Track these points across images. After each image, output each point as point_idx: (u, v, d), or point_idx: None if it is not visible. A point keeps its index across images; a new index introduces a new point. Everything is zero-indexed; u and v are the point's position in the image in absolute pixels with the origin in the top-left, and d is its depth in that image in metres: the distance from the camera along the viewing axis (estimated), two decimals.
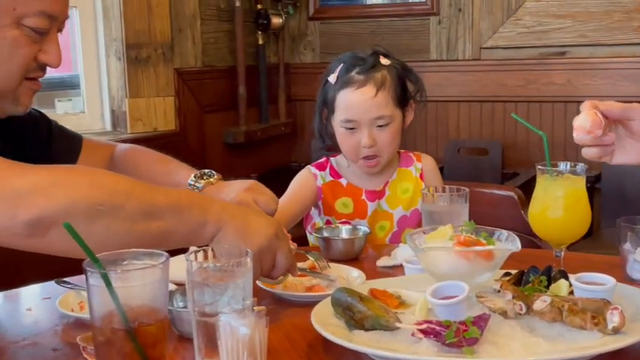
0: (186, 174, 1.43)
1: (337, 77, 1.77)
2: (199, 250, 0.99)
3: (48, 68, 1.27)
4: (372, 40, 3.84)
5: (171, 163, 1.49)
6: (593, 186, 3.37)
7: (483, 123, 3.74)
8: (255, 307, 0.82)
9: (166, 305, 0.87)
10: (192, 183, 1.40)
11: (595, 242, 3.00)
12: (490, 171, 3.56)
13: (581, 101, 3.89)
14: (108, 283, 0.80)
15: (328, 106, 1.80)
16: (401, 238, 1.80)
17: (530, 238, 1.90)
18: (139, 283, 0.82)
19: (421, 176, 1.86)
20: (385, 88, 1.75)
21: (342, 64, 1.78)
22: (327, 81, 1.80)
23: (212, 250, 1.00)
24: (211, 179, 1.41)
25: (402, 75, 1.79)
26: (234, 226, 1.10)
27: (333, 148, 1.87)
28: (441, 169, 3.53)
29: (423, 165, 1.87)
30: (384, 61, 1.78)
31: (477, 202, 2.19)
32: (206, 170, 1.44)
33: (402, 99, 1.79)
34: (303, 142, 4.05)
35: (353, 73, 1.76)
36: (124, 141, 2.87)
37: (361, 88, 1.74)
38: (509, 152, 3.62)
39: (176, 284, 1.19)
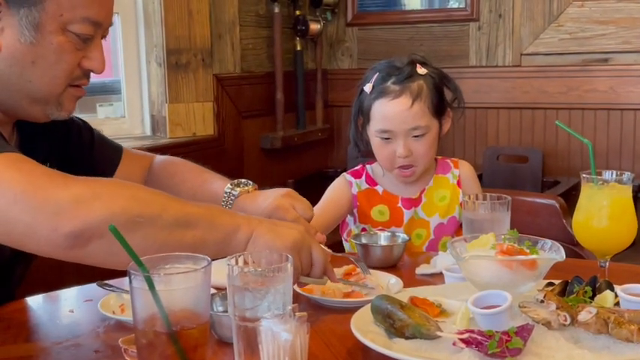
0: (221, 183, 1.45)
1: (373, 86, 1.76)
2: (240, 255, 0.99)
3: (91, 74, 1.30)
4: (410, 46, 3.83)
5: (205, 173, 1.52)
6: (637, 195, 3.30)
7: (523, 130, 3.69)
8: (296, 313, 0.82)
9: (208, 309, 0.87)
10: (229, 191, 1.41)
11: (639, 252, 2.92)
12: (530, 179, 3.51)
13: (625, 109, 3.86)
14: (151, 286, 0.81)
15: (364, 115, 1.79)
16: (438, 246, 1.78)
17: (572, 248, 1.87)
18: (182, 287, 0.83)
19: (458, 183, 1.83)
20: (421, 99, 1.73)
21: (377, 73, 1.77)
22: (362, 90, 1.79)
23: (251, 256, 1.00)
24: (247, 187, 1.43)
25: (440, 83, 1.77)
26: (266, 227, 1.14)
27: (369, 155, 1.86)
28: (480, 177, 3.51)
29: (460, 171, 1.85)
30: (420, 70, 1.75)
31: (517, 210, 2.16)
32: (242, 180, 1.46)
33: (439, 108, 1.76)
34: (339, 149, 4.04)
35: (389, 83, 1.74)
36: (164, 146, 2.92)
37: (397, 99, 1.72)
38: (550, 160, 3.57)
39: (216, 289, 1.20)
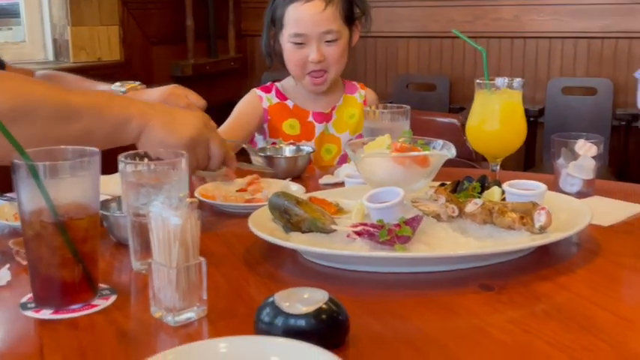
0: (107, 86, 1.44)
1: None
2: (134, 152, 0.98)
3: None
4: None
5: (88, 81, 1.50)
6: (537, 120, 3.44)
7: (432, 59, 3.75)
8: (187, 200, 0.82)
9: (97, 201, 0.86)
10: (116, 89, 1.40)
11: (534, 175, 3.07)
12: (438, 105, 3.59)
13: (528, 37, 3.96)
14: (35, 175, 0.79)
15: (277, 22, 1.81)
16: (347, 160, 1.82)
17: (471, 164, 1.94)
18: (68, 176, 0.81)
19: (364, 102, 1.88)
20: (334, 3, 1.76)
21: None
22: None
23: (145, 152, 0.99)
24: (136, 84, 1.41)
25: None
26: (161, 120, 1.10)
27: (280, 69, 1.86)
28: (390, 104, 3.57)
29: (366, 93, 1.90)
30: None
31: (421, 129, 2.21)
32: (130, 81, 1.45)
33: (350, 17, 1.80)
34: (253, 79, 4.00)
35: None
36: (67, 70, 2.80)
37: (310, 2, 1.75)
38: (457, 87, 3.65)
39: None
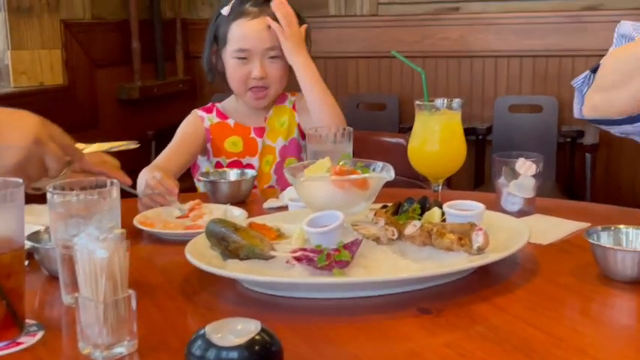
0: None
1: (231, 9, 1.79)
2: (63, 182, 0.95)
3: None
4: None
5: None
6: (485, 138, 3.49)
7: (381, 78, 3.78)
8: (115, 230, 0.80)
9: (22, 235, 0.83)
10: None
11: (483, 193, 3.11)
12: (388, 125, 3.61)
13: (475, 56, 4.00)
14: None
15: (220, 39, 1.81)
16: (283, 167, 1.83)
17: (418, 183, 1.95)
18: None
19: (294, 107, 1.88)
20: (277, 22, 1.77)
21: None
22: (219, 14, 1.81)
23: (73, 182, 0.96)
24: None
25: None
26: None
27: (221, 88, 1.86)
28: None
29: (296, 98, 1.90)
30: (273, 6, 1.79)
31: (369, 149, 2.22)
32: None
33: None
34: (202, 100, 3.96)
35: (247, 5, 1.78)
36: (7, 95, 2.74)
37: (255, 19, 1.77)
38: (406, 106, 3.69)
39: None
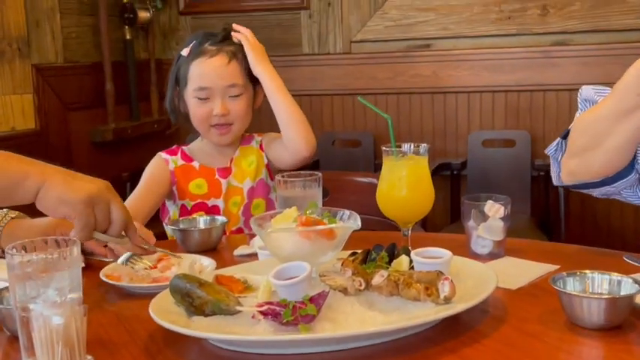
0: None
1: (190, 50, 1.80)
2: (21, 243, 0.93)
3: None
4: None
5: None
6: (460, 173, 3.51)
7: (356, 115, 3.81)
8: (72, 295, 0.78)
9: None
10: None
11: (460, 227, 3.11)
12: (364, 162, 3.63)
13: (447, 92, 4.03)
14: None
15: (181, 80, 1.82)
16: (251, 208, 1.84)
17: (390, 223, 1.94)
18: None
19: (261, 147, 1.89)
20: (237, 59, 1.79)
21: (194, 40, 1.82)
22: (180, 56, 1.82)
23: (34, 243, 0.94)
24: (17, 214, 1.39)
25: None
26: (61, 177, 1.08)
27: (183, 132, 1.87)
28: (317, 162, 3.59)
29: (262, 138, 1.91)
30: (235, 38, 1.82)
31: (342, 189, 2.23)
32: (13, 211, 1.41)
33: (253, 76, 1.82)
34: (178, 140, 3.95)
35: (206, 45, 1.80)
36: None
37: (214, 57, 1.78)
38: (382, 143, 3.69)
39: None
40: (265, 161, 1.87)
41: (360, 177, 2.22)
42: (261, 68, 1.78)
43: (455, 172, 3.49)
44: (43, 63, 3.10)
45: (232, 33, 1.82)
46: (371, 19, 3.69)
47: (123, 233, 1.19)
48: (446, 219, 3.48)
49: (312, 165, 3.43)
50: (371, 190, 2.16)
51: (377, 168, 3.57)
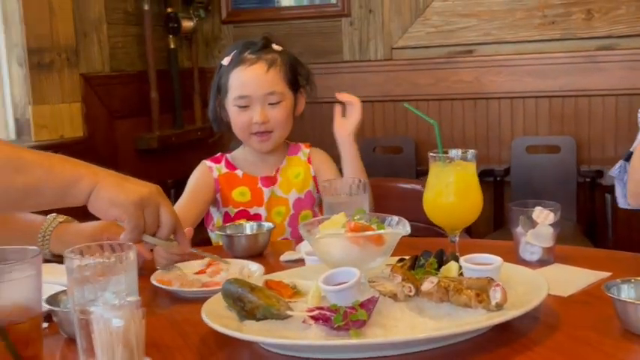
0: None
1: (231, 59, 1.82)
2: (79, 247, 0.96)
3: None
4: (286, 42, 3.83)
5: None
6: (503, 179, 3.48)
7: (398, 122, 3.80)
8: (131, 298, 0.80)
9: (40, 303, 0.84)
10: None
11: (504, 234, 3.08)
12: (405, 168, 3.61)
13: (490, 97, 4.00)
14: None
15: (222, 88, 1.83)
16: (298, 220, 1.84)
17: (435, 229, 1.93)
18: (7, 280, 0.79)
19: (309, 160, 1.90)
20: (277, 67, 1.80)
21: (235, 49, 1.84)
22: (221, 65, 1.84)
23: (91, 247, 0.97)
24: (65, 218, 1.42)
25: (293, 63, 1.85)
26: (112, 180, 1.10)
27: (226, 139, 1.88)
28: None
29: (310, 152, 1.92)
30: (275, 47, 1.84)
31: (387, 196, 2.22)
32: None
33: (293, 83, 1.84)
34: (221, 147, 3.99)
35: (246, 54, 1.81)
36: (30, 148, 2.78)
37: (253, 65, 1.80)
38: (423, 149, 3.69)
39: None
40: (312, 174, 1.87)
41: (404, 183, 2.21)
42: (349, 148, 1.80)
43: (498, 179, 3.46)
44: (90, 72, 3.18)
45: (337, 94, 1.83)
46: (412, 25, 3.69)
47: (172, 237, 1.20)
48: (489, 227, 3.44)
49: None
50: (415, 197, 2.16)
51: (419, 174, 3.56)
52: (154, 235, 1.16)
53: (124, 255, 0.94)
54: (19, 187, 1.02)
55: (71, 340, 1.04)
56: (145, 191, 1.12)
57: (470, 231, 2.39)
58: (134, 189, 1.11)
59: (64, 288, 1.11)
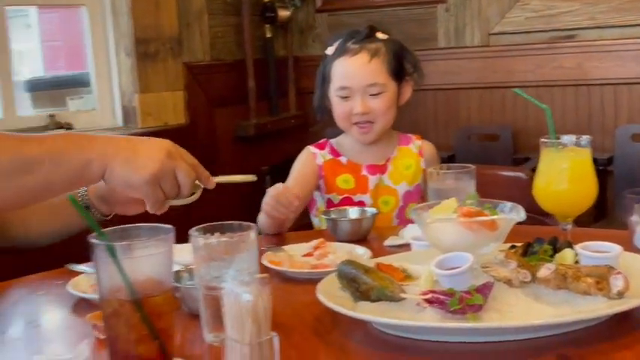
0: None
1: (335, 49, 1.83)
2: (205, 225, 1.00)
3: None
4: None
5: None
6: (606, 169, 3.35)
7: (494, 109, 3.73)
8: (259, 275, 0.83)
9: (171, 278, 0.89)
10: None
11: (608, 224, 2.98)
12: (501, 156, 3.54)
13: (592, 84, 3.87)
14: (113, 255, 0.82)
15: (325, 78, 1.85)
16: (405, 213, 1.82)
17: (540, 218, 1.90)
18: (143, 255, 0.84)
19: (420, 153, 1.89)
20: (380, 57, 1.79)
21: (339, 39, 1.85)
22: (326, 55, 1.86)
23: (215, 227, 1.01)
24: None
25: (399, 51, 1.84)
26: (122, 158, 1.07)
27: (332, 120, 1.89)
28: (452, 157, 3.55)
29: (422, 144, 1.90)
30: (380, 35, 1.83)
31: (487, 184, 2.18)
32: None
33: (398, 72, 1.82)
34: (313, 134, 4.04)
35: (349, 44, 1.81)
36: (137, 135, 2.91)
37: (355, 56, 1.80)
38: (521, 137, 3.61)
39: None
40: (422, 166, 1.85)
41: (506, 171, 2.18)
42: None
43: (600, 168, 3.33)
44: (192, 61, 3.28)
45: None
46: (510, 10, 3.60)
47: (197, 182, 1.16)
48: (589, 217, 3.33)
49: (447, 159, 3.40)
50: (517, 184, 2.13)
51: (516, 162, 3.49)
52: (177, 196, 1.14)
53: (246, 234, 0.97)
54: (29, 187, 1.02)
55: (192, 315, 1.09)
56: (157, 166, 1.08)
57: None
58: (145, 165, 1.08)
59: (179, 268, 1.17)
